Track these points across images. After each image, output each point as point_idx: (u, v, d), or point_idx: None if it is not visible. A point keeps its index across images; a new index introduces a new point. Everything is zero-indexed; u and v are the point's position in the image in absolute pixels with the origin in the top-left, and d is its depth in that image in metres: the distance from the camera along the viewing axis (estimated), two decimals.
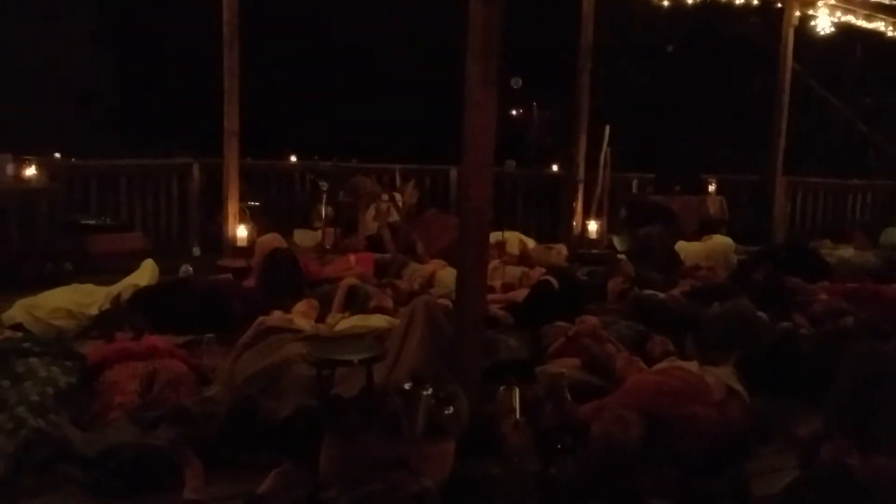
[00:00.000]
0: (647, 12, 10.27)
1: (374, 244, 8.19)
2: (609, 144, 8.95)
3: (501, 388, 3.44)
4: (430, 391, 3.03)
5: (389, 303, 5.32)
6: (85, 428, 3.53)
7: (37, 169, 6.70)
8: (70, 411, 3.63)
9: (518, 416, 3.34)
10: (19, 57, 9.77)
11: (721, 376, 3.82)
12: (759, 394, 3.88)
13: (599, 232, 8.88)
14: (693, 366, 3.84)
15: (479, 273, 3.36)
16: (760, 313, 4.97)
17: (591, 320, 4.57)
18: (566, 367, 4.12)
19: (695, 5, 9.29)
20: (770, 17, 10.40)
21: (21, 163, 6.58)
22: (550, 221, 9.65)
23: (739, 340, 4.60)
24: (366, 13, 12.21)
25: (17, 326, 4.85)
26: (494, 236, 8.54)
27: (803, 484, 2.77)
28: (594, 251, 8.41)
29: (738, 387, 3.81)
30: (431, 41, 12.39)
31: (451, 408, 3.07)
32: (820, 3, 9.35)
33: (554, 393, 3.51)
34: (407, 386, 3.06)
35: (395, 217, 8.57)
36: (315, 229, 8.44)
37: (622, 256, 7.96)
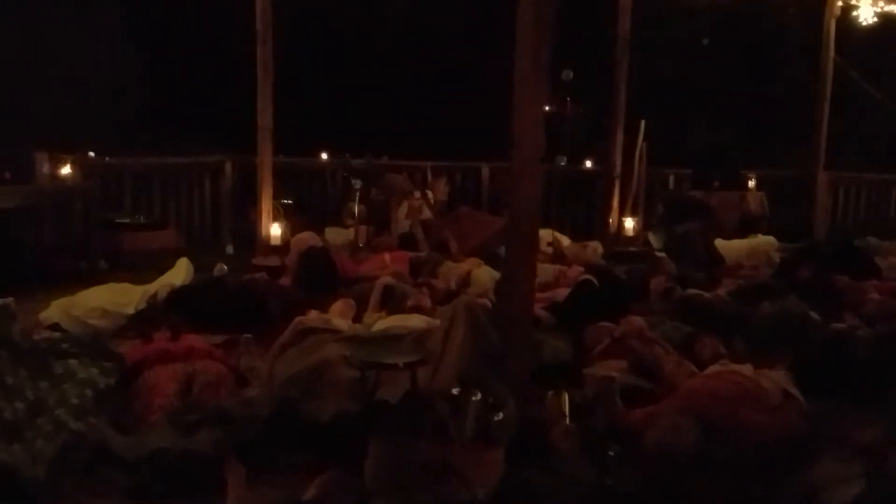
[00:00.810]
0: (683, 4, 10.06)
1: (407, 242, 8.11)
2: (644, 139, 8.78)
3: (550, 392, 3.33)
4: (478, 396, 2.93)
5: (427, 302, 5.22)
6: (124, 431, 3.47)
7: (72, 167, 6.69)
8: (109, 414, 3.58)
9: (568, 421, 3.22)
10: (50, 55, 9.81)
11: (777, 380, 3.69)
12: (813, 397, 3.73)
13: (636, 229, 8.70)
14: (747, 369, 3.70)
15: (527, 273, 3.25)
16: (812, 313, 4.81)
17: (638, 321, 4.42)
18: (613, 369, 3.99)
19: None
20: (809, 8, 10.14)
21: (56, 161, 6.57)
22: (585, 218, 9.49)
23: (791, 342, 4.47)
24: (397, 9, 12.12)
25: (54, 326, 4.83)
26: None
27: (875, 497, 2.63)
28: (631, 249, 8.24)
29: (794, 391, 3.67)
30: (463, 38, 12.29)
31: (501, 413, 2.96)
32: None
33: (604, 398, 3.38)
34: (455, 391, 2.96)
35: (427, 214, 8.48)
36: (347, 227, 8.38)
37: (661, 254, 7.83)
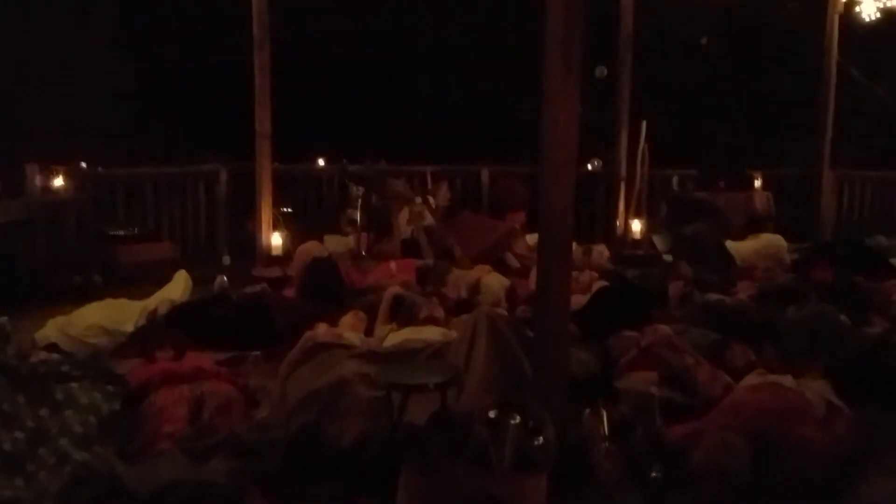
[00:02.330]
0: (683, 2, 9.92)
1: (409, 248, 7.91)
2: (647, 140, 8.62)
3: (587, 410, 3.13)
4: (517, 420, 2.72)
5: (440, 313, 5.01)
6: (132, 460, 3.26)
7: (64, 179, 6.46)
8: (115, 441, 3.37)
9: (608, 443, 3.02)
10: (40, 63, 9.55)
11: (819, 391, 3.52)
12: (853, 406, 3.56)
13: (643, 231, 8.53)
14: (788, 380, 3.53)
15: (562, 286, 3.05)
16: (841, 317, 4.65)
17: (664, 329, 4.23)
18: (644, 381, 3.80)
19: None
20: (810, 4, 10.02)
21: (48, 173, 6.34)
22: (588, 220, 9.31)
23: (825, 348, 4.30)
24: (394, 12, 11.91)
25: (51, 347, 4.61)
26: (532, 238, 8.27)
27: None
28: (638, 252, 8.07)
29: (838, 401, 3.51)
30: (459, 41, 12.10)
31: (541, 437, 2.75)
32: None
33: (644, 415, 3.19)
34: (492, 414, 2.75)
35: (429, 220, 8.28)
36: (345, 234, 8.16)
37: (668, 256, 7.65)
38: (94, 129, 9.57)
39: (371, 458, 2.98)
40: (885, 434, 3.53)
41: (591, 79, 6.94)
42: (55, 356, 4.24)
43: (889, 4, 9.20)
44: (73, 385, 3.58)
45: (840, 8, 9.09)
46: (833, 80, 9.23)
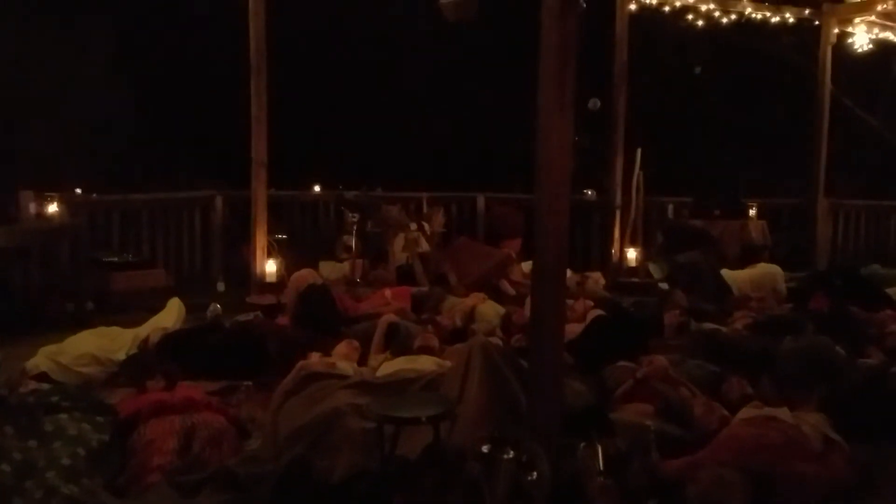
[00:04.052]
0: (678, 32, 10.01)
1: (404, 275, 7.90)
2: (641, 168, 8.64)
3: (582, 444, 3.09)
4: (511, 454, 2.69)
5: (435, 342, 4.97)
6: (121, 493, 3.22)
7: (58, 206, 6.43)
8: (103, 474, 3.33)
9: (603, 477, 2.98)
10: (37, 90, 9.57)
11: (816, 424, 3.48)
12: (850, 440, 3.52)
13: (638, 259, 8.52)
14: (785, 413, 3.49)
15: (556, 316, 3.03)
16: (838, 348, 4.62)
17: (661, 360, 4.21)
18: (640, 413, 3.77)
19: (728, 25, 9.04)
20: (803, 36, 10.12)
21: (43, 200, 6.31)
22: (583, 249, 9.31)
23: (821, 379, 4.26)
24: (389, 39, 12.00)
25: (42, 376, 4.55)
26: (527, 265, 8.26)
27: None
28: (634, 280, 8.06)
29: (834, 435, 3.47)
30: (454, 70, 12.18)
31: (534, 472, 2.72)
32: (857, 20, 9.09)
33: (640, 448, 3.15)
34: (485, 448, 2.71)
35: (424, 247, 8.27)
36: (341, 261, 8.14)
37: (663, 285, 7.64)
38: (90, 157, 9.57)
39: (362, 494, 2.93)
40: (883, 468, 3.48)
41: (585, 110, 6.95)
42: (45, 386, 4.17)
43: (881, 36, 9.32)
44: (63, 416, 3.54)
45: (833, 39, 9.19)
46: (826, 110, 9.29)
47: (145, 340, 5.10)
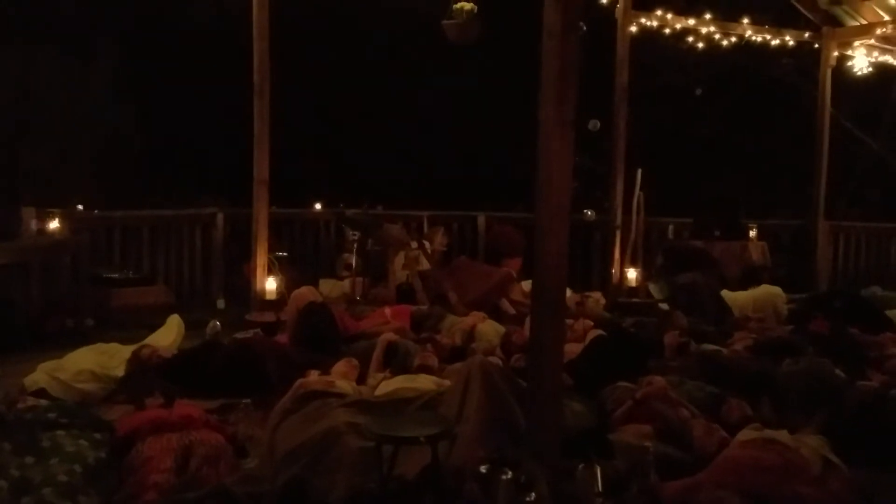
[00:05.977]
0: (679, 54, 10.08)
1: (404, 294, 7.88)
2: (641, 188, 8.66)
3: (580, 465, 3.08)
4: (509, 475, 2.68)
5: (434, 361, 4.97)
6: None
7: (60, 222, 6.45)
8: (100, 491, 3.31)
9: (602, 499, 2.97)
10: (42, 108, 9.64)
11: (816, 447, 3.47)
12: (851, 464, 3.51)
13: (639, 279, 8.52)
14: (784, 436, 3.48)
15: (555, 337, 3.03)
16: (837, 371, 4.62)
17: (660, 381, 4.20)
18: (638, 435, 3.76)
19: (728, 47, 9.11)
20: (803, 58, 10.19)
21: (44, 216, 6.33)
22: (583, 269, 9.31)
23: (821, 402, 4.26)
24: (394, 60, 12.09)
25: (40, 392, 4.54)
26: (527, 284, 8.26)
27: None
28: (634, 300, 8.05)
29: (834, 458, 3.46)
30: (456, 88, 12.25)
31: (533, 494, 2.71)
32: (857, 44, 9.16)
33: (639, 470, 3.14)
34: (483, 469, 2.71)
35: (425, 265, 8.27)
36: (341, 279, 8.14)
37: (664, 305, 7.63)
38: (92, 174, 9.62)
39: None
40: (882, 491, 3.47)
41: (585, 131, 6.98)
42: (43, 402, 4.17)
43: (881, 59, 9.38)
44: (60, 432, 3.53)
45: (833, 62, 9.24)
46: (826, 132, 9.33)
47: (136, 354, 5.05)
